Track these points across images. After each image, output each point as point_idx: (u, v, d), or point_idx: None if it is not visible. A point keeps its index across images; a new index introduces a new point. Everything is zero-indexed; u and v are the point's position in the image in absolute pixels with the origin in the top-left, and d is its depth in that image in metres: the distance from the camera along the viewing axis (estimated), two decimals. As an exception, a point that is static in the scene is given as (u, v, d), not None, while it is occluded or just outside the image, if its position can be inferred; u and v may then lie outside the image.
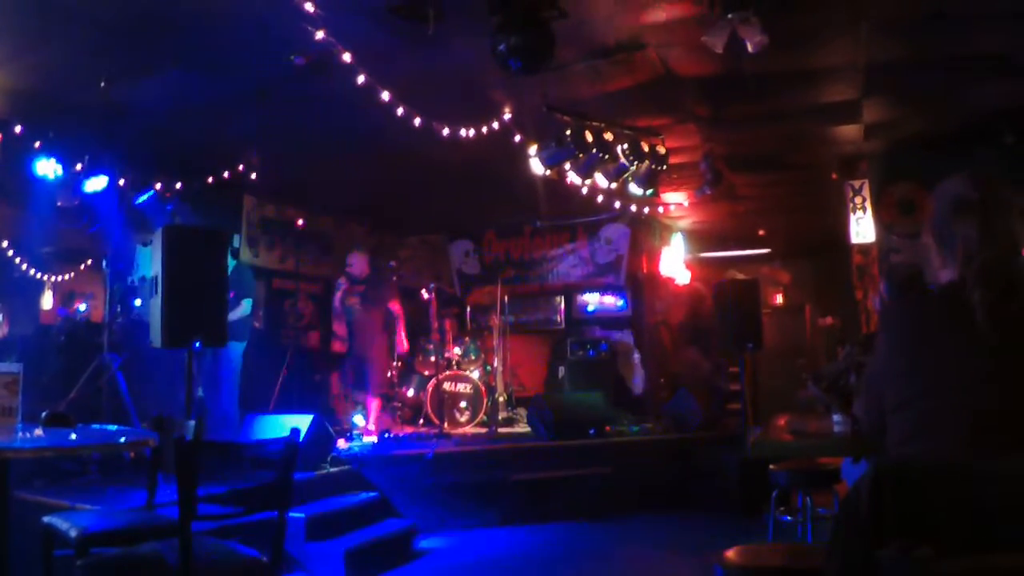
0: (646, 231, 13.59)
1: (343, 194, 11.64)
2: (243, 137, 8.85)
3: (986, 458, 2.06)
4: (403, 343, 10.55)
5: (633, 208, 12.32)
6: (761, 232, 14.73)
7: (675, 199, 12.22)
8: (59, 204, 8.49)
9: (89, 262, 9.70)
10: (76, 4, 5.94)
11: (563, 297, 13.85)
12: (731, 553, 3.11)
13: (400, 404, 11.33)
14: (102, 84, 7.09)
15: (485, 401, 10.94)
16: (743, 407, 10.92)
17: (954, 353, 2.25)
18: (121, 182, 8.70)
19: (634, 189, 9.33)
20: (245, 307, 8.36)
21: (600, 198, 10.67)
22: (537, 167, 8.74)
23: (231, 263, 7.52)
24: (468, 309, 12.90)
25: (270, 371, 10.03)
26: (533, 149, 8.67)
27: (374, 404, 9.68)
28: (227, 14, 6.13)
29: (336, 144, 9.15)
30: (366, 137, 8.74)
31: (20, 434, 3.68)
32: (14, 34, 6.40)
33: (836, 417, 3.84)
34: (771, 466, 5.73)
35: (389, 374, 11.47)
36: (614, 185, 9.15)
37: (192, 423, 4.17)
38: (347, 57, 6.39)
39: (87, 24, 6.23)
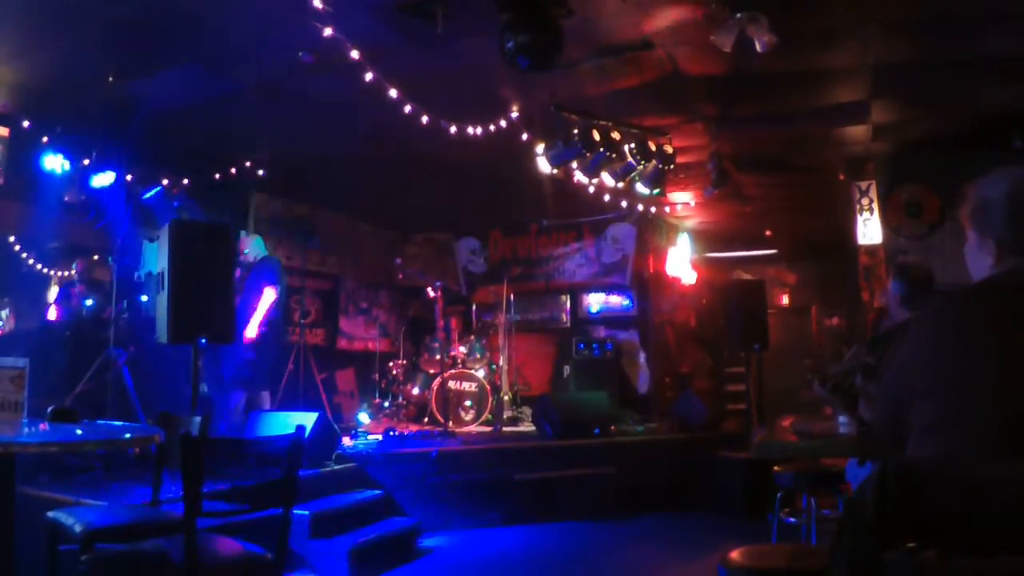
0: (652, 231, 13.57)
1: (350, 191, 11.64)
2: (251, 133, 8.86)
3: (1008, 455, 2.05)
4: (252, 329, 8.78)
5: (640, 208, 12.32)
6: (768, 233, 14.71)
7: (682, 199, 12.21)
8: (66, 199, 8.51)
9: (96, 257, 9.71)
10: (84, 0, 5.95)
11: (569, 296, 13.85)
12: (735, 554, 3.11)
13: (405, 402, 11.33)
14: (110, 80, 7.10)
15: (490, 400, 10.93)
16: (748, 408, 10.93)
17: (985, 349, 2.24)
18: (128, 178, 8.72)
19: (641, 188, 9.32)
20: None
21: (607, 197, 10.67)
22: (544, 166, 8.74)
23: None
24: (474, 308, 12.89)
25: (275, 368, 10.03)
26: (540, 148, 8.67)
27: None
28: (235, 10, 6.13)
29: (343, 141, 9.16)
30: (373, 134, 8.75)
31: (26, 429, 3.68)
32: (22, 30, 6.42)
33: (841, 418, 3.84)
34: (775, 467, 5.72)
35: (394, 372, 11.47)
36: (621, 184, 9.15)
37: (197, 419, 4.17)
38: (355, 54, 6.39)
39: (95, 20, 6.23)
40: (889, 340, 3.61)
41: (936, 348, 2.33)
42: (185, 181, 9.48)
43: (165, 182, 9.24)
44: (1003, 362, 2.20)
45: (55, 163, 8.03)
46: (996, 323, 2.28)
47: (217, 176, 9.62)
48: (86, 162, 8.30)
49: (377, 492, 7.77)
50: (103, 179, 8.39)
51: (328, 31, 6.02)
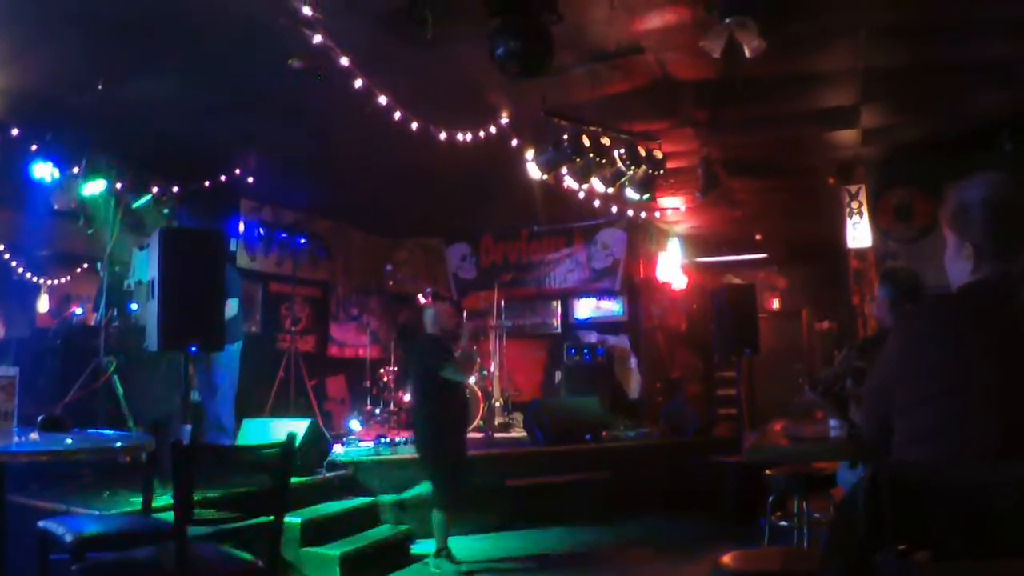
0: (643, 236, 13.59)
1: (340, 197, 11.63)
2: (240, 141, 8.85)
3: (1005, 463, 2.05)
4: None
5: (630, 213, 12.34)
6: (758, 237, 14.74)
7: (672, 204, 12.23)
8: (56, 207, 8.48)
9: (86, 265, 9.68)
10: (74, 6, 5.94)
11: (560, 302, 13.85)
12: (727, 558, 3.11)
13: (396, 409, 11.30)
14: (100, 87, 7.09)
15: (481, 406, 10.92)
16: (740, 412, 10.94)
17: (980, 354, 2.24)
18: (118, 185, 8.69)
19: (631, 194, 9.34)
20: (232, 307, 8.22)
21: (597, 203, 10.68)
22: (534, 172, 8.74)
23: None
24: (464, 313, 12.87)
25: (266, 375, 10.01)
26: (530, 154, 8.67)
27: None
28: (225, 17, 6.12)
29: (333, 148, 9.15)
30: (363, 141, 8.74)
31: (16, 438, 3.66)
32: (12, 36, 6.40)
33: (832, 422, 3.84)
34: (767, 471, 5.73)
35: (385, 379, 11.46)
36: (611, 190, 9.16)
37: (188, 427, 4.17)
38: (345, 61, 6.39)
39: (85, 26, 6.23)
40: (879, 344, 3.63)
41: (922, 356, 2.33)
42: (175, 188, 9.46)
43: (155, 190, 9.21)
44: (998, 368, 2.20)
45: (45, 171, 8.00)
46: (986, 329, 2.28)
47: (207, 183, 9.60)
48: (76, 169, 8.26)
49: (369, 499, 7.76)
50: (93, 187, 8.36)
51: (318, 38, 6.01)
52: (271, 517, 3.56)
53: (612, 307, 13.51)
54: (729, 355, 10.65)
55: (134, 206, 9.02)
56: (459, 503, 7.05)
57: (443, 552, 6.92)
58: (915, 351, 2.34)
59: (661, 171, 9.03)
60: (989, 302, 2.31)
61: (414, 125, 7.59)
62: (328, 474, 7.67)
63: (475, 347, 7.92)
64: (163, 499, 4.93)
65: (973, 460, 2.13)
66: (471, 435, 10.55)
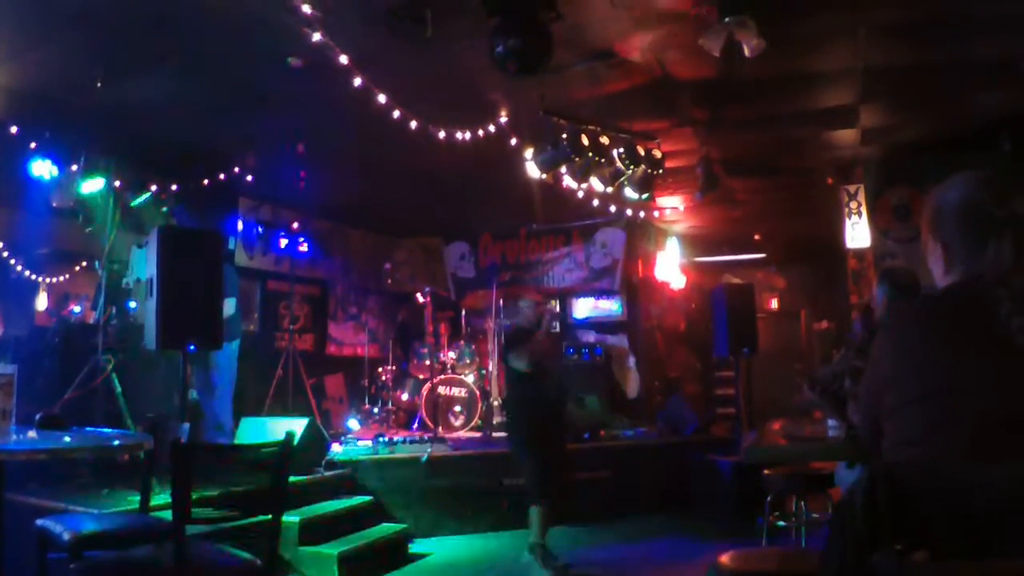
0: (641, 235, 13.58)
1: (339, 196, 11.62)
2: (239, 139, 8.84)
3: (996, 463, 2.05)
4: None
5: (629, 212, 12.34)
6: (757, 237, 14.74)
7: (671, 203, 12.22)
8: (55, 205, 8.48)
9: (84, 263, 9.68)
10: (74, 5, 5.93)
11: (558, 301, 13.84)
12: (725, 557, 3.11)
13: (395, 408, 11.30)
14: (98, 85, 7.08)
15: (480, 405, 10.91)
16: (738, 411, 10.94)
17: (963, 356, 2.23)
18: (117, 183, 8.69)
19: (630, 193, 9.33)
20: (229, 306, 8.22)
21: (596, 202, 10.67)
22: (533, 171, 8.74)
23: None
24: (463, 313, 12.88)
25: (264, 374, 10.01)
26: (529, 153, 8.67)
27: None
28: (224, 16, 6.11)
29: (332, 146, 9.14)
30: (362, 139, 8.74)
31: (14, 436, 3.66)
32: (11, 34, 6.39)
33: (831, 421, 3.84)
34: (766, 470, 5.73)
35: (383, 378, 11.46)
36: (610, 189, 9.15)
37: (186, 426, 4.16)
38: (344, 59, 6.39)
39: (84, 25, 6.22)
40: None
41: (908, 358, 2.32)
42: (174, 187, 9.45)
43: (154, 188, 9.21)
44: (982, 369, 2.20)
45: (43, 169, 8.00)
46: (966, 330, 2.28)
47: (206, 182, 9.60)
48: (74, 168, 8.26)
49: (367, 498, 7.76)
50: (92, 185, 8.36)
51: (317, 36, 6.01)
52: (269, 516, 3.56)
53: (610, 306, 13.50)
54: (727, 355, 10.66)
55: (133, 204, 9.02)
56: (554, 495, 7.01)
57: (536, 548, 6.78)
58: (903, 352, 2.34)
59: (660, 170, 9.02)
60: (969, 303, 2.31)
61: (413, 124, 7.60)
62: (326, 473, 7.66)
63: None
64: (161, 498, 4.93)
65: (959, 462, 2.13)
66: (469, 434, 10.60)
